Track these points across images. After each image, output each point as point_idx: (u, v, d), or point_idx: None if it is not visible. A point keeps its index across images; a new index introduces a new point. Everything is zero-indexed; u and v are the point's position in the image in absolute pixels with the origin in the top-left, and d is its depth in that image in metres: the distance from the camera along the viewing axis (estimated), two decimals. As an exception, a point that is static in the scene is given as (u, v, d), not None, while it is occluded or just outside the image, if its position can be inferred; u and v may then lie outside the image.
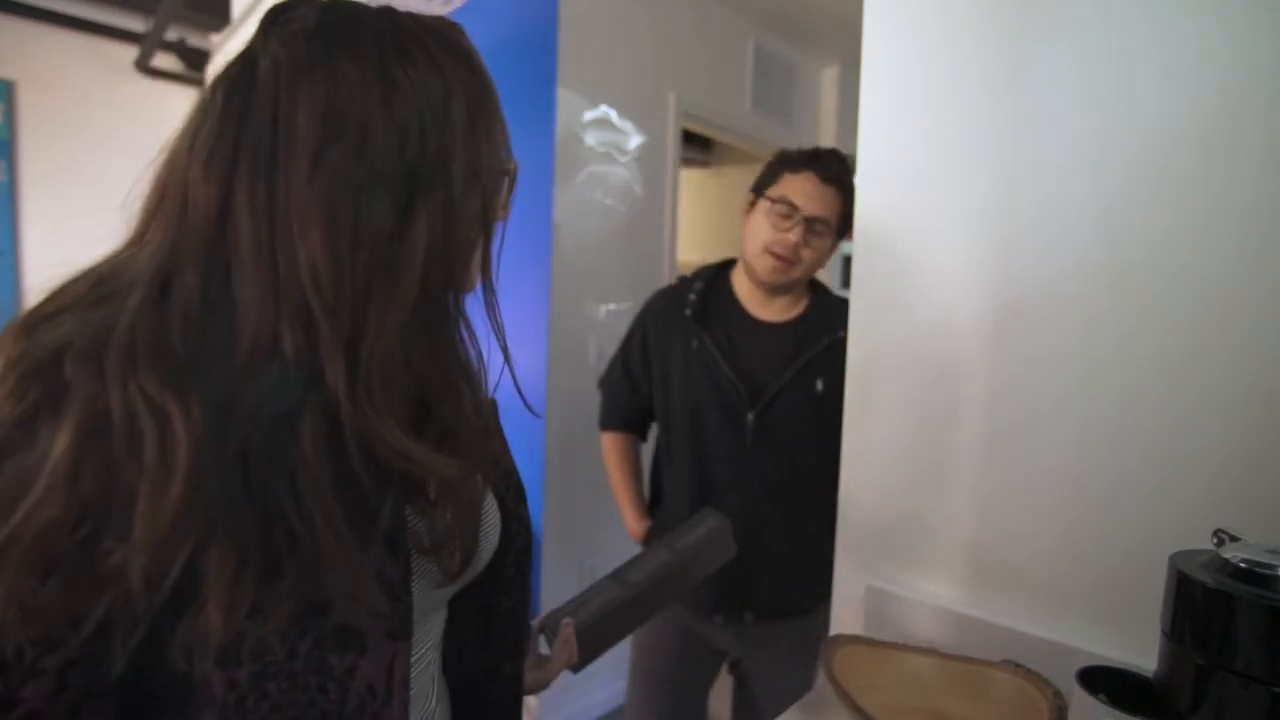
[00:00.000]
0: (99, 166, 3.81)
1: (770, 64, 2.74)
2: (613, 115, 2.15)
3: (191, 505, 0.36)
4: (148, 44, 3.64)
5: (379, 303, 0.41)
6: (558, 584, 2.09)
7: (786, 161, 1.24)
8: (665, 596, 0.81)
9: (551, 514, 2.05)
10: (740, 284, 1.30)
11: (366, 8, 0.46)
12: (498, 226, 0.50)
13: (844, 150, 1.21)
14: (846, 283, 0.92)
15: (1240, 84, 0.59)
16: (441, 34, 0.47)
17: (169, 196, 0.41)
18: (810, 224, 1.19)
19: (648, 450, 1.46)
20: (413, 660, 0.51)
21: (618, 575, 0.80)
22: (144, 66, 3.82)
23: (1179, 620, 0.47)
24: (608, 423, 1.45)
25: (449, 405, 0.46)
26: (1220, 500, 0.60)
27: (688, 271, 1.41)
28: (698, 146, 2.74)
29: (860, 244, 0.85)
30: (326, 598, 0.41)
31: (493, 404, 0.62)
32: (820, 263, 1.24)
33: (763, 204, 1.23)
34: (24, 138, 3.56)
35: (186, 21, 3.77)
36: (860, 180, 0.85)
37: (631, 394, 1.38)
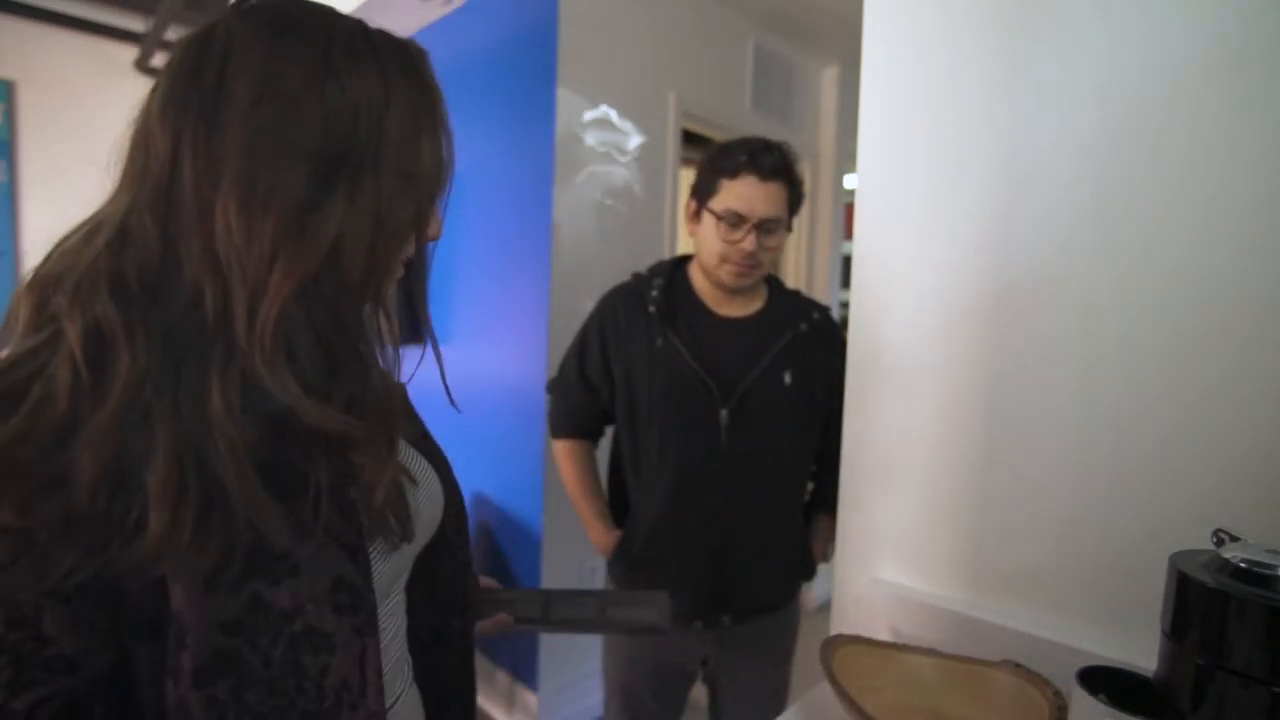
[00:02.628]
0: (99, 167, 3.80)
1: (770, 64, 2.74)
2: (613, 115, 2.15)
3: (129, 413, 0.39)
4: (148, 44, 3.64)
5: (282, 269, 0.43)
6: (558, 584, 2.09)
7: (721, 166, 1.17)
8: (577, 633, 0.89)
9: (551, 514, 2.05)
10: (699, 281, 1.27)
11: (332, 11, 0.48)
12: (430, 246, 0.54)
13: (845, 149, 1.20)
14: (846, 283, 0.92)
15: (1240, 81, 0.59)
16: (398, 48, 0.49)
17: (136, 146, 0.46)
18: (761, 226, 1.16)
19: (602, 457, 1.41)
20: (384, 645, 0.54)
21: (547, 603, 0.83)
22: (144, 66, 3.82)
23: (1179, 620, 0.47)
24: (562, 429, 1.38)
25: (353, 373, 0.48)
26: (1220, 500, 0.60)
27: None
28: (698, 146, 2.74)
29: (860, 244, 0.85)
30: (293, 605, 0.43)
31: (402, 389, 0.67)
32: (778, 254, 1.24)
33: (708, 216, 1.18)
34: (24, 138, 3.56)
35: (186, 21, 3.77)
36: (860, 180, 0.85)
37: (589, 397, 1.32)
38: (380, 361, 0.51)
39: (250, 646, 0.42)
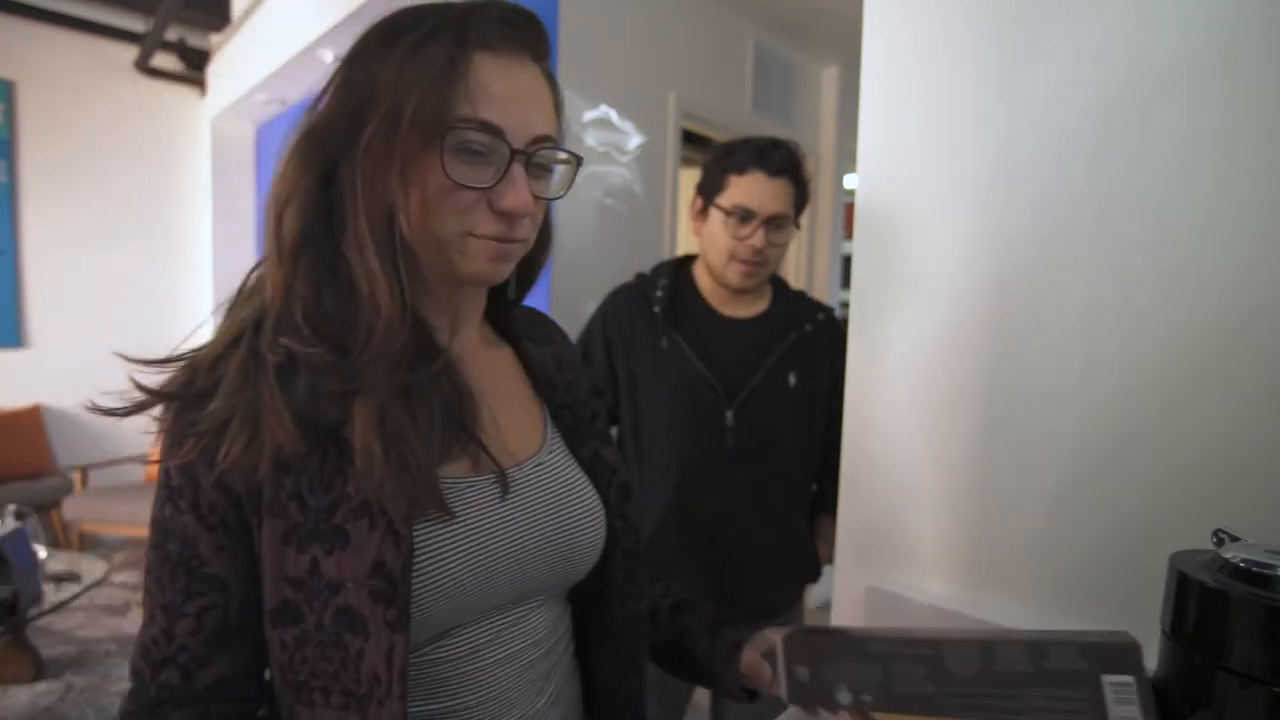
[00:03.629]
0: (99, 166, 3.81)
1: (770, 64, 2.74)
2: (613, 115, 2.15)
3: (224, 360, 0.50)
4: (148, 44, 3.64)
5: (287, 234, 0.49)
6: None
7: (729, 164, 1.18)
8: None
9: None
10: (704, 281, 1.27)
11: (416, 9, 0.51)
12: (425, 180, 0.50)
13: (845, 149, 1.19)
14: (846, 283, 0.92)
15: (1238, 77, 0.59)
16: (410, 20, 0.50)
17: None
18: (769, 222, 1.16)
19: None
20: (500, 655, 0.53)
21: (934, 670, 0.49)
22: (144, 66, 3.82)
23: (1179, 620, 0.47)
24: None
25: (346, 315, 0.49)
26: (1220, 500, 0.60)
27: None
28: (698, 146, 2.74)
29: (860, 244, 0.85)
30: (339, 577, 0.46)
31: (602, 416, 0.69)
32: (784, 253, 1.23)
33: (716, 213, 1.19)
34: (24, 138, 3.56)
35: (186, 21, 3.77)
36: (860, 180, 0.85)
37: None
38: (385, 310, 0.49)
39: (308, 606, 0.47)
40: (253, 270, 0.54)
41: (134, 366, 0.50)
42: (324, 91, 0.51)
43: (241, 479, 0.47)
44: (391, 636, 0.46)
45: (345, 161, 0.49)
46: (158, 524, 0.50)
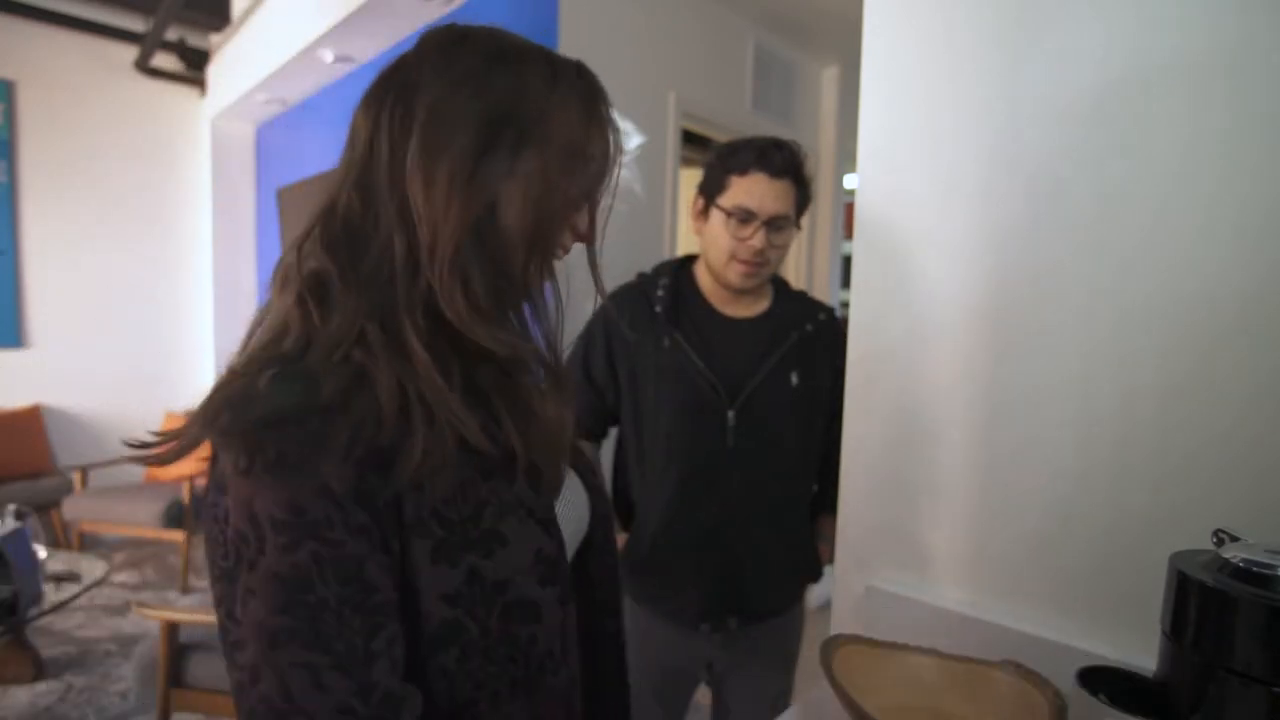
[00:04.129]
0: (99, 166, 3.81)
1: (770, 64, 2.74)
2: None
3: (346, 341, 0.47)
4: (148, 44, 3.64)
5: (455, 209, 0.49)
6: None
7: (731, 164, 1.18)
8: None
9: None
10: (705, 281, 1.27)
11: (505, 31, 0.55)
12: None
13: (845, 149, 1.19)
14: (846, 283, 0.92)
15: (1239, 78, 0.59)
16: (569, 60, 0.54)
17: (346, 144, 0.55)
18: (770, 223, 1.16)
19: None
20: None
21: None
22: (144, 66, 3.82)
23: (1179, 620, 0.47)
24: None
25: (520, 320, 0.53)
26: (1220, 500, 0.60)
27: None
28: (698, 146, 2.74)
29: (860, 243, 0.85)
30: (504, 575, 0.48)
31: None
32: (785, 253, 1.23)
33: (717, 213, 1.19)
34: (24, 138, 3.57)
35: (186, 21, 3.77)
36: (860, 180, 0.85)
37: (594, 398, 1.31)
38: (544, 324, 0.56)
39: (468, 616, 0.47)
40: (305, 266, 0.51)
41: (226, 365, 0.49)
42: (469, 103, 0.50)
43: (375, 499, 0.44)
44: (563, 610, 0.52)
45: (512, 181, 0.51)
46: (285, 579, 0.41)
